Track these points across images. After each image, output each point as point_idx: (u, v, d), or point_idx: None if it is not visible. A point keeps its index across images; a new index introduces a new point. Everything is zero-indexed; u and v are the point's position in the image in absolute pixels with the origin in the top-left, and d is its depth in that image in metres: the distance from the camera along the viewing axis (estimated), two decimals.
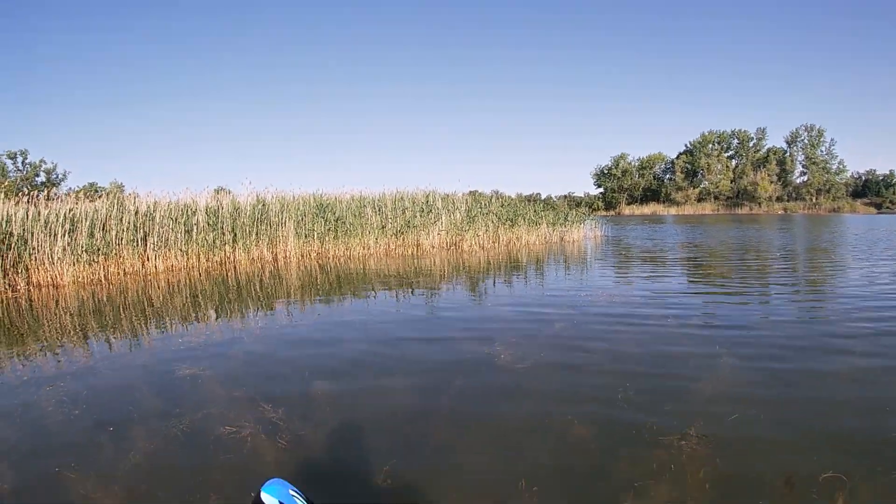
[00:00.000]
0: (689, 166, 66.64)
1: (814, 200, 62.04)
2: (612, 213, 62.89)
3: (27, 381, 4.32)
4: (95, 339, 5.51)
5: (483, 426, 3.54)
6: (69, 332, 5.80)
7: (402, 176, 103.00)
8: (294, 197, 14.11)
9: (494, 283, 9.38)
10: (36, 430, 3.43)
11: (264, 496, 1.00)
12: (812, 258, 13.22)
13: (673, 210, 62.59)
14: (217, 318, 6.62)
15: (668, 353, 5.11)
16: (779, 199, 63.20)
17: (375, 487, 2.80)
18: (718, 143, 66.52)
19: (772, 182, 63.13)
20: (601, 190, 70.88)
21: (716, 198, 65.15)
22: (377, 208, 14.62)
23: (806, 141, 63.65)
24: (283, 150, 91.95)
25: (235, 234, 11.85)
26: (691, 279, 9.85)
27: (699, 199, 65.44)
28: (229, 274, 10.36)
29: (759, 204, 62.09)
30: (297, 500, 0.94)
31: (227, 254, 11.62)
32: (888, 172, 65.55)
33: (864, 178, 67.17)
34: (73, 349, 5.13)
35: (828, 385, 4.20)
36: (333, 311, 7.09)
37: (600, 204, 67.03)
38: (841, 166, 62.86)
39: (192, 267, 10.78)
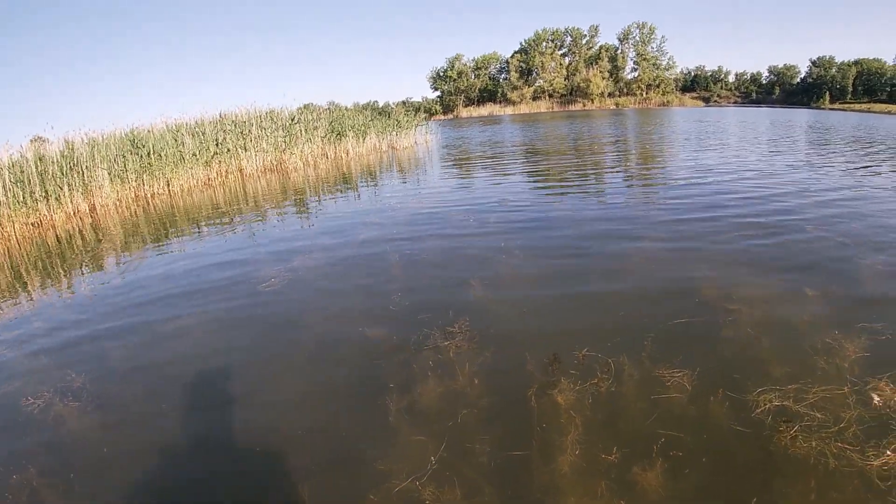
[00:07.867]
0: (523, 65, 67.70)
1: (644, 95, 66.47)
2: (450, 116, 64.06)
3: None
4: None
5: (257, 348, 3.68)
6: None
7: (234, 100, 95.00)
8: (104, 136, 13.50)
9: (307, 201, 9.91)
10: None
11: None
12: (636, 151, 14.30)
13: (509, 110, 64.14)
14: (26, 288, 6.63)
15: (455, 254, 5.15)
16: (611, 94, 66.96)
17: (165, 434, 2.94)
18: (552, 41, 67.51)
19: (604, 78, 66.30)
20: (438, 93, 70.70)
21: (550, 96, 67.48)
22: (196, 135, 14.31)
23: (637, 38, 66.55)
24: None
25: (46, 190, 11.31)
26: (511, 178, 10.70)
27: (534, 98, 67.31)
28: (47, 235, 10.20)
29: (592, 100, 65.51)
30: None
31: (42, 213, 11.14)
32: (717, 68, 72.65)
33: (693, 73, 73.26)
34: None
35: (607, 278, 4.37)
36: (142, 262, 7.18)
37: (438, 108, 67.34)
38: (671, 62, 67.55)
39: (8, 235, 10.17)
